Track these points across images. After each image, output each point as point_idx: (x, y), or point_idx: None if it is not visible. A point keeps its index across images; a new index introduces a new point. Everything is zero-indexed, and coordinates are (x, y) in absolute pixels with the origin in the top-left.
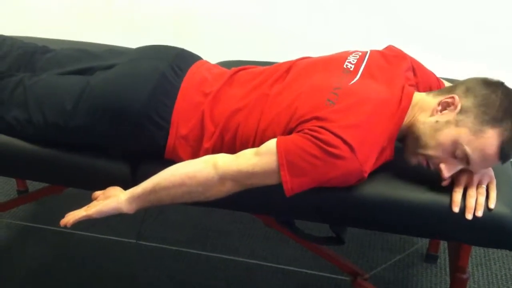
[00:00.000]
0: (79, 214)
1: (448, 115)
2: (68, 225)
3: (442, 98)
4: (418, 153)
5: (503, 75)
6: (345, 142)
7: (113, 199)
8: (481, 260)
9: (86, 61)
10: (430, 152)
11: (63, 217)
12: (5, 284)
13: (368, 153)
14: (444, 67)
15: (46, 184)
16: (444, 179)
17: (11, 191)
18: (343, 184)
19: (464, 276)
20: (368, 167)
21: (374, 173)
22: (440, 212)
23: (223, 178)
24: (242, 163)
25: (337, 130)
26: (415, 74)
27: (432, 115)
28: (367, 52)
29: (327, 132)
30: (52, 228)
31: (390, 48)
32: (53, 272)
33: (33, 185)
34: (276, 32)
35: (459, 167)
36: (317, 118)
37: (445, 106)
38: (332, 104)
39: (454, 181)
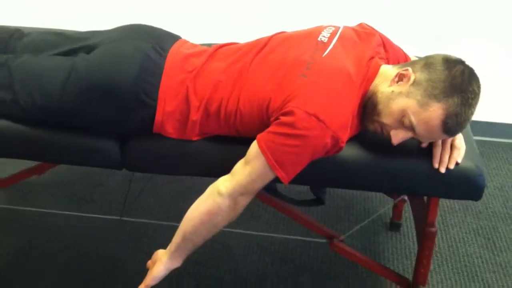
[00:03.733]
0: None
1: (402, 86)
2: None
3: (400, 70)
4: (374, 120)
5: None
6: (318, 119)
7: (159, 264)
8: (440, 225)
9: (65, 44)
10: (383, 119)
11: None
12: None
13: (340, 124)
14: None
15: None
16: (394, 145)
17: None
18: (327, 155)
19: (433, 230)
20: (344, 136)
21: (351, 140)
22: (414, 170)
23: (232, 198)
24: (239, 177)
25: (309, 108)
26: (385, 50)
27: (390, 85)
28: (340, 27)
29: (300, 112)
30: (36, 209)
31: (361, 25)
32: (39, 251)
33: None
34: (275, 31)
35: (407, 135)
36: (290, 99)
37: (401, 77)
38: (304, 77)
39: (432, 142)
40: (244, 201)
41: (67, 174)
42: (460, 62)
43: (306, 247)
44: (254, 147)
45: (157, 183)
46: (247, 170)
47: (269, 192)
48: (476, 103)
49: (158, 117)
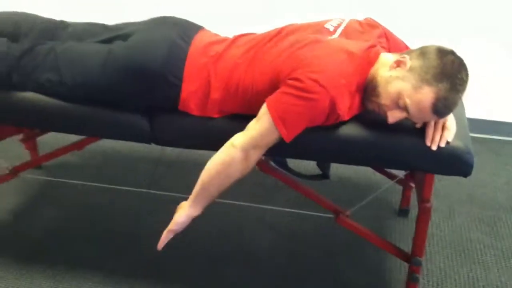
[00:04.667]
0: (164, 234)
1: (399, 71)
2: (161, 246)
3: (398, 57)
4: (373, 101)
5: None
6: (319, 84)
7: (181, 211)
8: (446, 214)
9: (103, 33)
10: (381, 100)
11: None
12: (25, 233)
13: (338, 91)
14: None
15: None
16: (389, 123)
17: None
18: (326, 121)
19: (428, 205)
20: (341, 104)
21: (355, 119)
22: (409, 147)
23: (244, 150)
24: (251, 131)
25: (312, 75)
26: (387, 41)
27: (389, 70)
28: (345, 19)
29: (305, 78)
30: (70, 181)
31: (367, 19)
32: (69, 223)
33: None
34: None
35: (402, 116)
36: (297, 68)
37: (399, 63)
38: (311, 51)
39: (425, 123)
40: (255, 155)
41: (98, 157)
42: (452, 52)
43: (314, 222)
44: (264, 106)
45: (184, 160)
46: (258, 126)
47: (279, 166)
48: (463, 89)
49: (183, 95)
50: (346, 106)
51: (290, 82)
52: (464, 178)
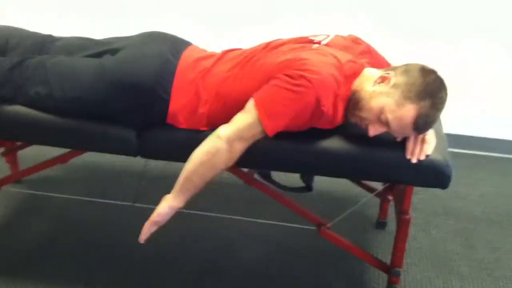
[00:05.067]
0: (146, 225)
1: (383, 87)
2: (144, 238)
3: (383, 73)
4: (355, 114)
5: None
6: (307, 79)
7: (164, 202)
8: (422, 227)
9: (93, 48)
10: (363, 114)
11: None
12: (9, 247)
13: (324, 88)
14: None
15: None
16: (370, 136)
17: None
18: (311, 119)
19: (407, 217)
20: (325, 101)
21: (338, 132)
22: (389, 160)
23: (229, 141)
24: (236, 123)
25: (300, 72)
26: (371, 57)
27: (373, 85)
28: (330, 35)
29: (293, 74)
30: (54, 195)
31: (350, 35)
32: (53, 237)
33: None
34: (275, 31)
35: (383, 130)
36: (287, 66)
37: (383, 79)
38: (299, 54)
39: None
40: (239, 147)
41: (80, 171)
42: (434, 72)
43: (297, 234)
44: (251, 99)
45: (168, 175)
46: (243, 118)
47: (264, 178)
48: (442, 107)
49: (171, 109)
50: (331, 103)
51: (278, 76)
52: (439, 192)
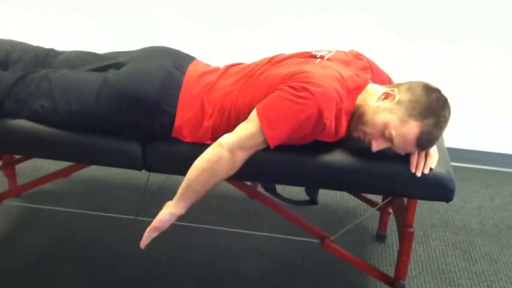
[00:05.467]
0: (147, 232)
1: (387, 103)
2: (145, 244)
3: (387, 89)
4: (358, 128)
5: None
6: (309, 92)
7: (165, 208)
8: (422, 239)
9: (96, 62)
10: (367, 129)
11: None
12: (9, 261)
13: (326, 101)
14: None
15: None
16: (373, 151)
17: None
18: (313, 131)
19: (411, 230)
20: (327, 113)
21: (341, 144)
22: (394, 173)
23: (231, 149)
24: (239, 132)
25: (303, 84)
26: (372, 73)
27: (377, 101)
28: (332, 51)
29: (296, 86)
30: (57, 208)
31: (352, 51)
32: (54, 251)
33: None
34: (275, 31)
35: (386, 145)
36: (290, 78)
37: (387, 96)
38: (302, 68)
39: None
40: (241, 156)
41: (79, 185)
42: (437, 90)
43: (301, 247)
44: (254, 110)
45: (169, 188)
46: (246, 127)
47: (268, 192)
48: (445, 126)
49: (177, 123)
50: (333, 116)
51: (282, 87)
52: (436, 205)
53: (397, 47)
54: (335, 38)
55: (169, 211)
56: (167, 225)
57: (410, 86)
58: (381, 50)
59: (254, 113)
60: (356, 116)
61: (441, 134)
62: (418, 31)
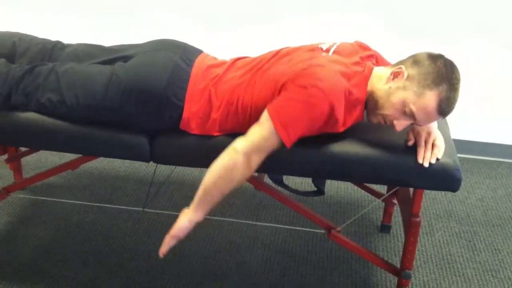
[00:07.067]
0: (166, 239)
1: (398, 82)
2: (164, 252)
3: (393, 69)
4: (377, 114)
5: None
6: (320, 89)
7: (183, 216)
8: (426, 230)
9: (103, 55)
10: (386, 111)
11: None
12: (16, 253)
13: (335, 96)
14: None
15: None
16: (396, 131)
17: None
18: (325, 126)
19: (418, 219)
20: (338, 107)
21: (349, 135)
22: (402, 164)
23: (246, 154)
24: (252, 136)
25: (312, 82)
26: (376, 61)
27: (386, 83)
28: (336, 42)
29: (306, 85)
30: (64, 200)
31: (356, 41)
32: (60, 243)
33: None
34: (275, 31)
35: (408, 122)
36: (298, 76)
37: (396, 75)
38: (309, 63)
39: (416, 141)
40: (257, 159)
41: (83, 177)
42: (441, 56)
43: (306, 238)
44: (265, 112)
45: (174, 180)
46: (259, 130)
47: (276, 183)
48: (459, 87)
49: (185, 115)
50: (343, 109)
51: (291, 87)
52: (439, 196)
53: (397, 47)
54: (335, 38)
55: (187, 219)
56: (186, 232)
57: (415, 60)
58: (381, 50)
59: (265, 115)
60: (371, 103)
61: (458, 95)
62: (418, 31)
